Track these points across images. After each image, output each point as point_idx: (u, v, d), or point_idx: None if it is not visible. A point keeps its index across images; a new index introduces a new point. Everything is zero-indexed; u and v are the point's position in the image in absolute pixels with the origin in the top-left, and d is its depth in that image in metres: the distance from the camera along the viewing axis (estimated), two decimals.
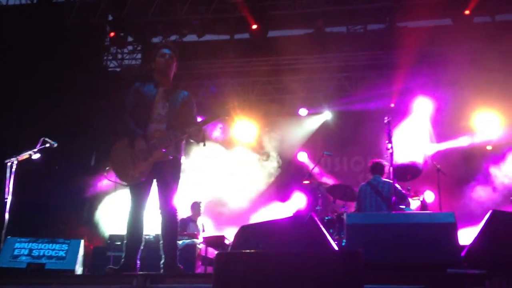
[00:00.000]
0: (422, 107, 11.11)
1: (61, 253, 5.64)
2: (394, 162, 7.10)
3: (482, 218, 5.61)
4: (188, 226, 8.93)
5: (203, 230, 9.29)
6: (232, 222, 9.67)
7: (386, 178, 7.90)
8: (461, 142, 10.78)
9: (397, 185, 7.48)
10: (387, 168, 7.80)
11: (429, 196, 9.92)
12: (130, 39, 11.83)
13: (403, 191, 7.68)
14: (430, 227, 5.55)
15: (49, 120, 9.07)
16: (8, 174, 6.41)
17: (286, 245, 5.70)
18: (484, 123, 10.76)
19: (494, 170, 10.21)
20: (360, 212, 7.68)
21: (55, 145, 7.04)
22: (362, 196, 7.86)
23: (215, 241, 8.03)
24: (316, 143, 11.69)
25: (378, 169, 7.92)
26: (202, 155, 11.77)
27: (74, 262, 5.54)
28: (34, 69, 9.98)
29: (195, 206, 9.39)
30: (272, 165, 11.78)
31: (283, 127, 12.05)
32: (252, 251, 5.63)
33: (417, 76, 10.68)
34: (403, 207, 7.66)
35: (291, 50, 11.34)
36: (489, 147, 10.81)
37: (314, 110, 12.09)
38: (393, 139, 7.35)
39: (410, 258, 5.36)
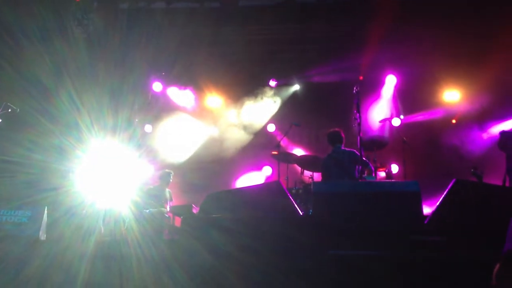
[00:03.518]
0: (390, 80, 11.23)
1: (24, 220, 5.54)
2: (361, 133, 7.16)
3: (445, 188, 5.76)
4: (156, 195, 8.87)
5: (171, 200, 9.25)
6: (202, 191, 9.65)
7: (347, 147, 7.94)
8: (427, 115, 10.96)
9: (356, 152, 7.51)
10: (344, 134, 7.86)
11: (395, 167, 10.11)
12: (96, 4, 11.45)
13: (365, 159, 7.70)
14: (394, 196, 5.67)
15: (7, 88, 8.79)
16: None
17: (253, 210, 5.74)
18: (450, 97, 10.97)
19: (457, 143, 10.47)
20: None
21: (18, 110, 6.87)
22: (325, 169, 7.88)
23: (183, 211, 8.00)
24: (285, 114, 11.69)
25: (336, 138, 7.87)
26: (172, 124, 11.75)
27: (37, 228, 5.46)
28: None
29: (164, 176, 9.32)
30: (241, 136, 11.81)
31: (253, 98, 12.01)
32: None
33: (386, 50, 10.72)
34: (366, 176, 7.75)
35: (261, 20, 11.20)
36: (453, 121, 11.04)
37: (283, 81, 12.07)
38: (361, 110, 7.41)
39: (374, 225, 5.47)
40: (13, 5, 9.03)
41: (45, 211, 5.61)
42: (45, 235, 5.58)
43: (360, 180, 7.24)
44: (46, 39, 9.55)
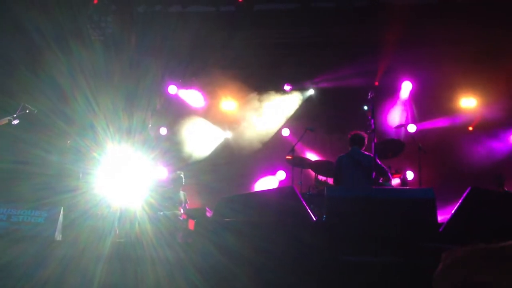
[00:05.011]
0: (406, 86, 11.18)
1: (40, 220, 5.60)
2: (376, 139, 7.12)
3: (461, 196, 5.70)
4: (170, 197, 8.91)
5: (186, 202, 9.28)
6: (215, 194, 9.69)
7: (365, 151, 7.86)
8: (443, 122, 10.88)
9: (377, 159, 7.47)
10: (367, 140, 7.78)
11: (410, 174, 10.04)
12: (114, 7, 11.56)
13: (384, 166, 7.64)
14: (409, 202, 5.62)
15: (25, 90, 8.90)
16: None
17: (267, 215, 5.74)
18: (466, 104, 10.88)
19: (474, 150, 10.38)
20: (339, 185, 7.64)
21: (35, 111, 6.95)
22: (341, 167, 7.74)
23: (197, 213, 8.02)
24: (300, 119, 11.69)
25: (357, 140, 7.78)
26: (186, 127, 11.83)
27: (53, 229, 5.51)
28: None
29: (177, 178, 9.35)
30: (255, 140, 11.83)
31: (267, 102, 12.03)
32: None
33: (402, 55, 10.67)
34: (383, 182, 7.69)
35: (276, 24, 11.22)
36: (470, 128, 10.94)
37: (297, 86, 12.07)
38: (376, 115, 7.36)
39: (388, 231, 5.43)
40: (31, 7, 9.15)
41: (61, 212, 5.67)
42: (61, 236, 5.64)
43: (374, 185, 7.19)
44: (62, 41, 9.67)
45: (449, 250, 2.81)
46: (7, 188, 7.32)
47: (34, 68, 9.27)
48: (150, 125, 11.47)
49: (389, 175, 7.71)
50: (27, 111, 7.07)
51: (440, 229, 5.56)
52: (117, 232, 6.87)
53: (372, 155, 7.53)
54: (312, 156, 11.05)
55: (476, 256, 2.57)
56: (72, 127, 8.99)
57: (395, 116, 11.19)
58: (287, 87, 12.01)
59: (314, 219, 6.08)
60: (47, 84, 9.23)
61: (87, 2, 10.86)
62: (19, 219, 5.50)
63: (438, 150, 10.10)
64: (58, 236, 5.56)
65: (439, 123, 10.85)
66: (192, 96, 12.17)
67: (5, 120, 6.65)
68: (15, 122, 6.80)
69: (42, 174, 7.71)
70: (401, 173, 9.13)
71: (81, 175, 7.89)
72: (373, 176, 7.29)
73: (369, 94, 7.42)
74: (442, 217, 6.29)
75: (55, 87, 9.41)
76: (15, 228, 5.41)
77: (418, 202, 5.57)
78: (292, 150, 9.40)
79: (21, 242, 5.20)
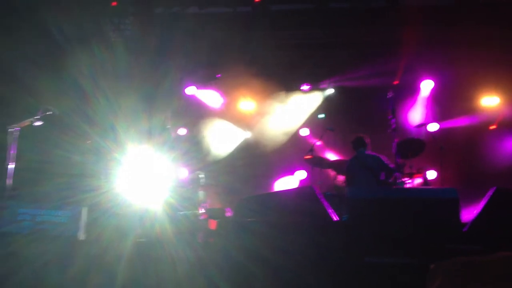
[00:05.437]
0: (426, 85, 11.06)
1: (64, 220, 5.67)
2: (396, 138, 7.09)
3: (485, 196, 5.62)
4: (189, 197, 8.93)
5: (205, 202, 9.30)
6: (235, 194, 9.72)
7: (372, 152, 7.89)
8: (465, 121, 10.73)
9: (381, 157, 7.48)
10: (369, 140, 7.82)
11: (432, 174, 9.94)
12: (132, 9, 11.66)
13: (390, 165, 7.66)
14: (432, 202, 5.56)
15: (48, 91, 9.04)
16: (9, 141, 6.43)
17: (286, 215, 5.73)
18: (488, 102, 10.72)
19: (497, 149, 10.21)
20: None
21: (58, 113, 7.05)
22: (351, 171, 7.85)
23: (217, 213, 8.06)
24: (319, 118, 11.65)
25: (360, 142, 7.89)
26: (205, 127, 11.88)
27: (77, 229, 5.58)
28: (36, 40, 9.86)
29: (196, 178, 9.37)
30: (274, 140, 11.83)
31: (285, 102, 12.02)
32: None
33: (422, 54, 10.57)
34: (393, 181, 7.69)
35: (294, 25, 11.21)
36: (493, 126, 10.77)
37: (316, 85, 12.02)
38: (397, 115, 7.34)
39: (410, 232, 5.39)
40: (54, 9, 9.27)
41: (84, 212, 5.74)
42: (84, 236, 5.71)
43: (389, 185, 7.19)
44: (84, 42, 9.79)
45: (435, 264, 2.80)
46: (32, 188, 7.43)
47: (57, 70, 9.40)
48: (169, 126, 11.54)
49: (397, 173, 7.69)
50: (49, 113, 7.17)
51: (464, 229, 5.49)
52: (139, 231, 6.92)
53: (378, 155, 7.58)
54: (331, 156, 11.01)
55: (466, 269, 2.56)
56: (94, 128, 9.09)
57: (416, 115, 11.08)
58: (305, 87, 11.98)
59: (335, 219, 6.07)
60: (69, 85, 9.37)
61: (107, 4, 10.98)
62: (43, 218, 5.58)
63: (460, 149, 9.97)
64: (81, 236, 5.63)
65: (460, 121, 10.70)
66: (210, 97, 12.21)
67: (27, 122, 6.76)
68: (38, 123, 6.91)
69: (65, 174, 7.83)
70: (422, 172, 9.06)
71: (103, 175, 7.98)
72: (383, 177, 7.33)
73: (389, 93, 7.40)
74: (465, 217, 6.22)
75: (77, 88, 9.54)
76: (39, 228, 5.48)
77: (441, 202, 5.52)
78: (311, 150, 9.39)
79: (45, 241, 5.27)
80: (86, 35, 9.94)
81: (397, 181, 7.66)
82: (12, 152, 6.37)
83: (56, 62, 9.45)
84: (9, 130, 6.57)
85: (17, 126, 6.65)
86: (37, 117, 6.89)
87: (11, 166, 6.33)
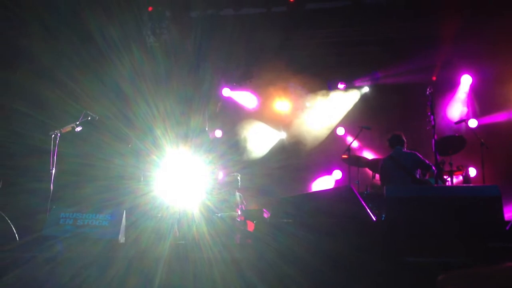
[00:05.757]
0: (465, 80, 10.78)
1: (105, 223, 5.80)
2: (436, 135, 6.96)
3: None
4: (226, 199, 8.99)
5: (243, 203, 9.34)
6: (271, 195, 9.74)
7: (407, 148, 7.79)
8: (506, 116, 10.40)
9: (418, 154, 7.39)
10: (405, 137, 7.73)
11: (472, 171, 9.68)
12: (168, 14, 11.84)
13: (427, 161, 7.53)
14: (473, 200, 5.42)
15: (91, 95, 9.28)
16: (53, 146, 6.64)
17: (326, 215, 5.69)
18: None
19: None
20: None
21: (97, 118, 7.24)
22: (386, 171, 7.77)
23: (254, 215, 8.08)
24: (355, 117, 11.53)
25: (397, 140, 7.81)
26: (241, 129, 11.94)
27: (117, 232, 5.70)
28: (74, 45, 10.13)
29: (233, 179, 9.42)
30: (310, 139, 11.79)
31: (321, 102, 11.96)
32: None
33: (461, 48, 10.32)
34: (428, 178, 7.56)
35: (329, 23, 11.12)
36: None
37: (352, 84, 11.91)
38: (435, 111, 7.20)
39: (452, 231, 5.26)
40: (97, 14, 9.50)
41: (124, 215, 5.85)
42: (124, 239, 5.82)
43: (425, 183, 7.08)
44: (125, 47, 10.00)
45: (443, 276, 2.74)
46: (73, 191, 7.66)
47: (99, 74, 9.64)
48: (207, 128, 11.67)
49: (434, 170, 7.54)
50: (89, 118, 7.38)
51: (507, 228, 5.34)
52: (177, 234, 7.02)
53: (415, 152, 7.47)
54: (368, 155, 10.88)
55: (473, 281, 2.51)
56: (133, 131, 9.27)
57: (455, 111, 10.81)
58: (341, 86, 11.88)
59: (374, 219, 5.99)
60: (110, 89, 9.59)
61: (144, 9, 11.17)
62: (85, 222, 5.72)
63: (502, 146, 9.63)
64: (122, 239, 5.74)
65: (501, 117, 10.37)
66: (246, 98, 12.26)
67: (69, 127, 6.98)
68: (78, 129, 7.12)
69: (106, 176, 8.03)
70: (463, 170, 8.85)
71: (142, 178, 8.13)
72: (418, 174, 7.23)
73: (428, 89, 7.27)
74: (508, 215, 6.04)
75: (118, 92, 9.76)
76: (80, 231, 5.63)
77: (483, 200, 5.37)
78: (348, 149, 9.29)
79: (86, 244, 5.41)
80: (127, 40, 10.15)
81: (438, 179, 7.52)
82: (54, 157, 6.56)
83: (97, 66, 9.69)
84: (52, 135, 6.79)
85: (59, 131, 6.86)
86: (77, 122, 7.09)
87: (54, 170, 6.54)
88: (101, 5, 9.79)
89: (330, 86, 11.97)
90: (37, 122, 8.34)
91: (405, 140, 7.82)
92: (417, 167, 7.49)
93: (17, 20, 9.28)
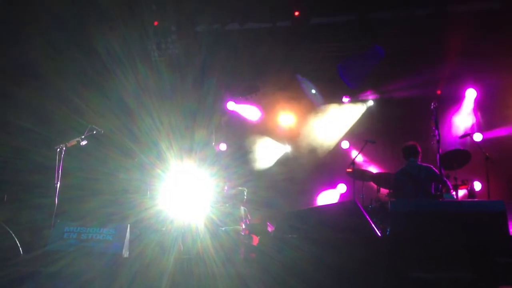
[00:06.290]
0: (470, 94, 10.78)
1: (109, 237, 5.80)
2: (440, 150, 6.93)
3: None
4: (230, 212, 8.97)
5: (248, 217, 9.31)
6: (275, 208, 9.72)
7: (422, 161, 7.69)
8: (511, 130, 10.37)
9: (433, 168, 7.29)
10: (420, 148, 7.63)
11: (477, 185, 9.63)
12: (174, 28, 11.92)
13: (443, 177, 7.42)
14: (479, 216, 5.39)
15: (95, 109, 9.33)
16: (57, 160, 6.67)
17: (331, 230, 5.68)
18: None
19: None
20: None
21: (102, 132, 7.27)
22: (398, 184, 7.68)
23: (258, 229, 8.04)
24: (359, 131, 11.52)
25: (412, 151, 7.65)
26: (246, 142, 11.95)
27: (121, 246, 5.69)
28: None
29: (238, 193, 9.39)
30: (314, 153, 11.78)
31: (326, 115, 11.97)
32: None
33: (465, 63, 10.33)
34: (443, 194, 7.46)
35: (334, 37, 11.18)
36: None
37: (356, 97, 11.92)
38: (440, 125, 7.18)
39: (457, 246, 5.23)
40: (103, 29, 9.59)
41: (128, 229, 5.85)
42: (128, 253, 5.81)
43: (438, 198, 6.99)
44: (130, 61, 10.07)
45: None
46: (78, 205, 7.66)
47: (104, 88, 9.70)
48: (213, 143, 11.69)
49: (450, 185, 7.47)
50: (94, 132, 7.42)
51: None
52: (181, 248, 7.00)
53: (431, 166, 7.37)
54: (373, 169, 10.85)
55: None
56: (138, 145, 9.30)
57: (460, 125, 10.80)
58: (345, 99, 11.90)
59: (379, 233, 5.96)
60: (115, 103, 9.64)
61: (150, 24, 11.26)
62: (89, 236, 5.73)
63: (507, 160, 9.60)
64: (125, 253, 5.73)
65: (506, 131, 10.34)
66: (250, 112, 12.30)
67: (74, 141, 7.02)
68: (83, 143, 7.16)
69: (110, 191, 8.04)
70: (468, 184, 8.80)
71: (148, 192, 8.14)
72: (432, 188, 7.13)
73: (432, 104, 7.25)
74: None
75: (122, 107, 9.81)
76: (84, 245, 5.63)
77: (488, 215, 5.35)
78: (352, 163, 9.26)
79: (90, 258, 5.40)
80: (132, 54, 10.22)
81: (451, 193, 7.45)
82: (59, 171, 6.59)
83: (102, 81, 9.75)
84: (57, 149, 6.82)
85: (64, 145, 6.90)
86: (83, 137, 7.13)
87: (59, 184, 6.56)
88: (106, 21, 9.89)
89: (334, 99, 11.98)
90: (42, 138, 8.39)
91: (420, 151, 7.68)
92: (431, 181, 7.33)
93: (22, 36, 9.38)
